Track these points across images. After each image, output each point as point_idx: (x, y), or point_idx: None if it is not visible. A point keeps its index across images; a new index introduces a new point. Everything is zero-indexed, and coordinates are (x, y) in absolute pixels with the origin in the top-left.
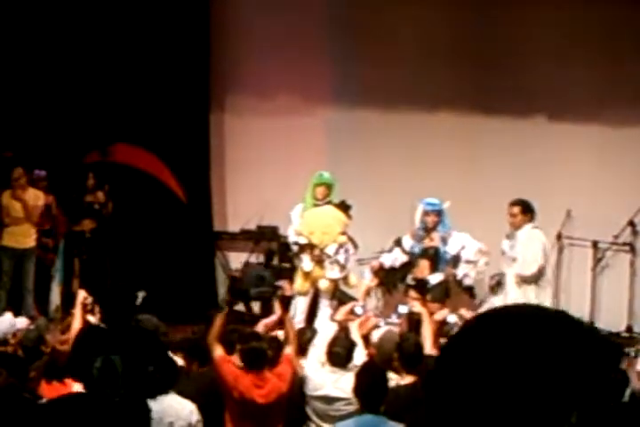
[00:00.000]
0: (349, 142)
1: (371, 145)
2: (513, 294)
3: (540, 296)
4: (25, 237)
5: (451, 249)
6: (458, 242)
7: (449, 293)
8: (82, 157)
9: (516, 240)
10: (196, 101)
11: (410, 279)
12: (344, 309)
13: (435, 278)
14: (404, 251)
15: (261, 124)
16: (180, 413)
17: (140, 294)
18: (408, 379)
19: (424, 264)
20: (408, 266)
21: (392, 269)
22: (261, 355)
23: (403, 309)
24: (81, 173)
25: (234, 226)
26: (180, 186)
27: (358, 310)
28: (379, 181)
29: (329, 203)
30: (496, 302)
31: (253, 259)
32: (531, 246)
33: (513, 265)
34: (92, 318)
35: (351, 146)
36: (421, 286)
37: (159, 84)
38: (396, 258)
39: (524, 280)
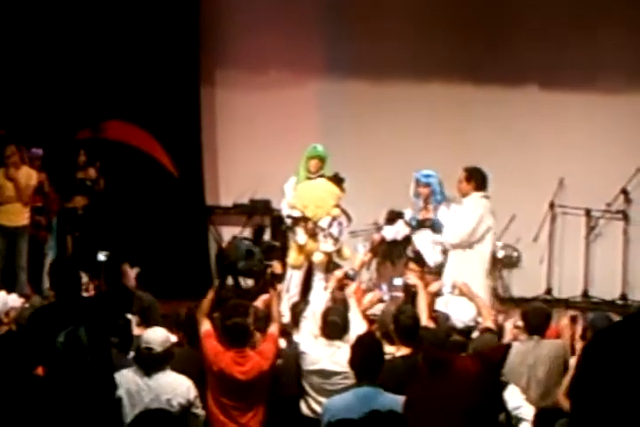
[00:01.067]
0: (341, 115)
1: (363, 117)
2: (451, 261)
3: (474, 261)
4: (17, 216)
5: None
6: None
7: None
8: (74, 133)
9: (458, 208)
10: (186, 76)
11: (410, 252)
12: (336, 275)
13: None
14: (407, 223)
15: (253, 98)
16: (177, 389)
17: (135, 270)
18: (404, 351)
19: None
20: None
21: (394, 241)
22: (243, 332)
23: (397, 281)
24: (72, 150)
25: (226, 200)
26: (171, 161)
27: (351, 273)
28: (371, 153)
29: (322, 176)
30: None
31: (246, 233)
32: (465, 214)
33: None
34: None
35: (343, 118)
36: (420, 258)
37: (149, 59)
38: (398, 231)
39: (455, 246)
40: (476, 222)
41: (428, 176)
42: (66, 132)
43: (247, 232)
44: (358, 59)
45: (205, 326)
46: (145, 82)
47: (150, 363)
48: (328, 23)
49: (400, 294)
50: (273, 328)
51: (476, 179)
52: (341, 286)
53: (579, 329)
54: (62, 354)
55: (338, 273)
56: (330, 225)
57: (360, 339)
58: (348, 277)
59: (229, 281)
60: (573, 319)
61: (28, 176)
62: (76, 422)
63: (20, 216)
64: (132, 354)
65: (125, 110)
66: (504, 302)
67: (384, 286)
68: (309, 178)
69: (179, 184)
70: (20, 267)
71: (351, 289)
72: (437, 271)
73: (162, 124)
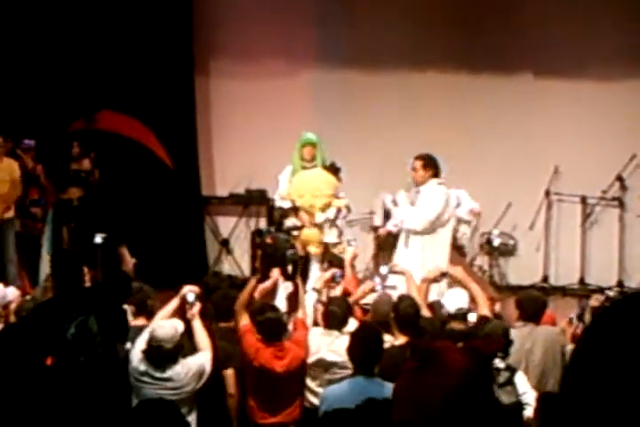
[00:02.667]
0: (335, 103)
1: (357, 105)
2: (413, 247)
3: (436, 248)
4: (2, 208)
5: None
6: (453, 200)
7: (463, 251)
8: (67, 124)
9: (419, 196)
10: (180, 66)
11: None
12: (323, 277)
13: None
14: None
15: (247, 88)
16: (191, 372)
17: (132, 261)
18: (402, 339)
19: None
20: None
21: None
22: (278, 326)
23: (383, 269)
24: (66, 142)
25: (222, 190)
26: (166, 152)
27: (337, 278)
28: (365, 141)
29: (316, 164)
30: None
31: (242, 223)
32: (427, 202)
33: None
34: None
35: (337, 107)
36: None
37: (143, 50)
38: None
39: (416, 233)
40: (440, 209)
41: None
42: (59, 123)
43: (242, 222)
44: (352, 47)
45: (244, 320)
46: (139, 72)
47: (162, 358)
48: (322, 12)
49: (394, 284)
50: (300, 314)
51: (433, 166)
52: (326, 287)
53: (578, 330)
54: (73, 346)
55: (326, 274)
56: (336, 216)
57: (360, 329)
58: (334, 280)
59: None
60: (571, 321)
61: (11, 169)
62: (87, 412)
63: (5, 208)
64: (128, 345)
65: (120, 101)
66: (500, 289)
67: (376, 277)
68: (304, 167)
69: (174, 175)
70: (9, 260)
71: (337, 292)
72: None
73: (156, 115)
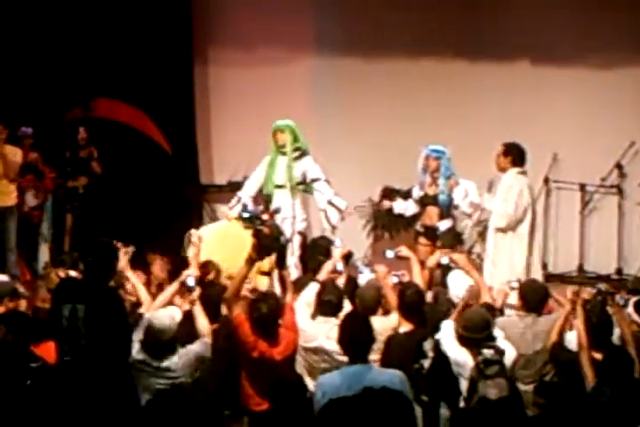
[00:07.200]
0: (334, 91)
1: (355, 93)
2: (489, 242)
3: (514, 242)
4: (4, 195)
5: (457, 197)
6: (462, 191)
7: (461, 239)
8: (64, 112)
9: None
10: (179, 54)
11: (419, 226)
12: (326, 268)
13: (444, 225)
14: (415, 201)
15: (246, 76)
16: (188, 363)
17: (130, 249)
18: (406, 327)
19: (433, 211)
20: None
21: (399, 215)
22: (273, 320)
23: (389, 253)
24: (67, 129)
25: (221, 178)
26: (165, 139)
27: (339, 267)
28: (363, 129)
29: (298, 149)
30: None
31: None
32: (505, 193)
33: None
34: (74, 273)
35: (336, 94)
36: (431, 232)
37: (142, 37)
38: (407, 207)
39: (502, 230)
40: (516, 199)
41: (438, 151)
42: (56, 111)
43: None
44: (351, 35)
45: (237, 310)
46: (138, 60)
47: (160, 349)
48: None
49: (400, 273)
50: (288, 298)
51: (514, 154)
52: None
53: (578, 307)
54: (65, 328)
55: (328, 266)
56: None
57: (348, 317)
58: (336, 271)
59: None
60: (577, 294)
61: (13, 154)
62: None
63: (7, 196)
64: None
65: (118, 89)
66: None
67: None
68: (282, 152)
69: (173, 162)
70: (9, 248)
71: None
72: (451, 245)
73: (155, 103)
